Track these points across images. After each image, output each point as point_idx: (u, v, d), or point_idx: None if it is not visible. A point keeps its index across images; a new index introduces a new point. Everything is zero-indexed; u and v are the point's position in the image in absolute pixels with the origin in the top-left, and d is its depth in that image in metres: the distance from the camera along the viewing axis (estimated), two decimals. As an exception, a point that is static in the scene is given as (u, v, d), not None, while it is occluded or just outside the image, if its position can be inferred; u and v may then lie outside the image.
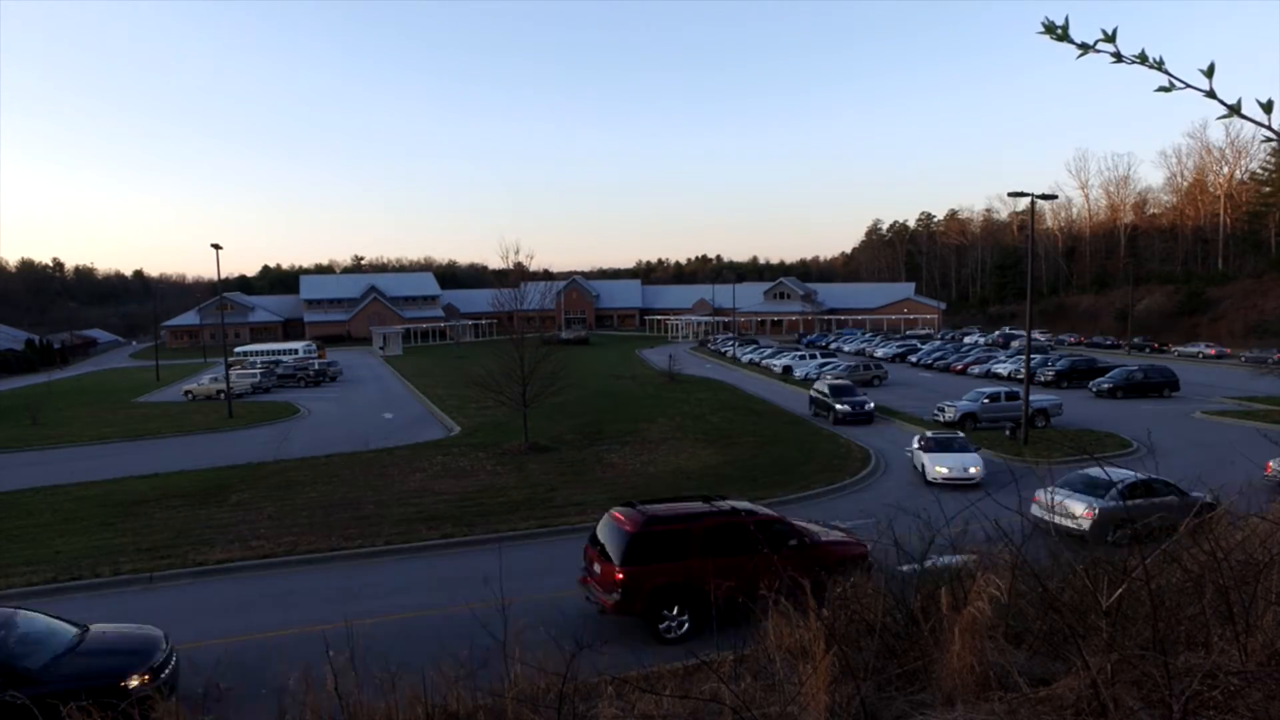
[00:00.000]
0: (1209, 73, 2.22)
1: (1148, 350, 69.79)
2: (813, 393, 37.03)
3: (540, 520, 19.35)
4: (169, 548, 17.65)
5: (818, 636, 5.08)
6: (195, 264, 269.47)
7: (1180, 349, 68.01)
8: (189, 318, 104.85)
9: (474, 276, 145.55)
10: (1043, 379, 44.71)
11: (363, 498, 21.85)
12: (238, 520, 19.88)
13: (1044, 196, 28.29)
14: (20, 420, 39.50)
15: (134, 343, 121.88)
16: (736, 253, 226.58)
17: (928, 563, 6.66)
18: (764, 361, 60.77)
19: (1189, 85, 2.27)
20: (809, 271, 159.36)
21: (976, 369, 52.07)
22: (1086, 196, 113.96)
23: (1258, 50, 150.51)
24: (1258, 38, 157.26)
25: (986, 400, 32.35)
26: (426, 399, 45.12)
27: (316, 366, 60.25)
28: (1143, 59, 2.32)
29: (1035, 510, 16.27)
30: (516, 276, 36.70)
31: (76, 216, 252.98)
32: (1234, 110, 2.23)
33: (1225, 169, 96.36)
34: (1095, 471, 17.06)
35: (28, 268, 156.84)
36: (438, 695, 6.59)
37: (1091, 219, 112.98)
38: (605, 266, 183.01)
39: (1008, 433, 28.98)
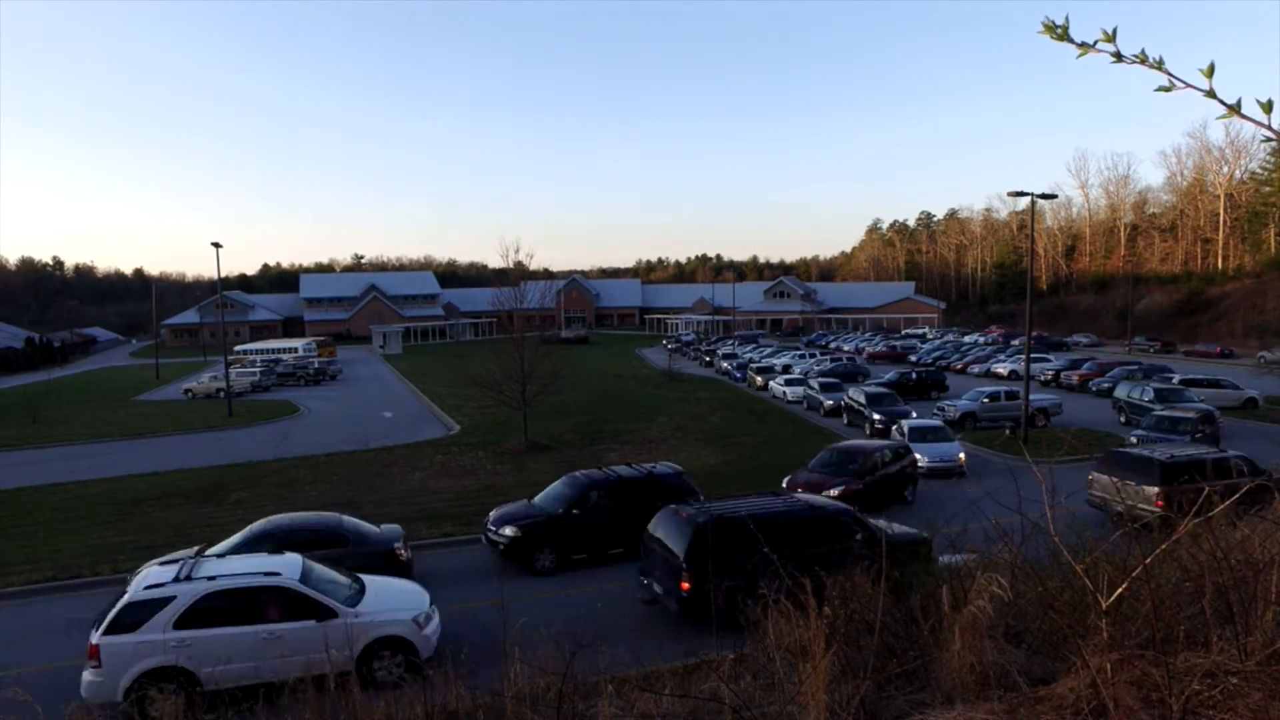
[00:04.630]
0: (1209, 73, 2.22)
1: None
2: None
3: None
4: (169, 547, 17.57)
5: (818, 636, 5.08)
6: (195, 263, 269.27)
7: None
8: (189, 316, 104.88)
9: (474, 276, 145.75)
10: (1042, 378, 44.72)
11: (362, 497, 21.80)
12: (238, 519, 19.81)
13: (1044, 196, 28.25)
14: (20, 419, 39.50)
15: (134, 341, 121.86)
16: (736, 252, 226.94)
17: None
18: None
19: (1189, 85, 2.27)
20: (809, 271, 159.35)
21: (976, 368, 52.04)
22: (1086, 196, 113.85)
23: (1258, 50, 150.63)
24: (1258, 38, 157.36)
25: (986, 399, 32.33)
26: (426, 398, 45.13)
27: (316, 365, 60.26)
28: (1143, 59, 2.32)
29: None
30: (516, 275, 36.66)
31: (76, 216, 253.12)
32: (1234, 110, 2.23)
33: (1225, 169, 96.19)
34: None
35: (28, 266, 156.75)
36: (437, 694, 6.59)
37: (1091, 219, 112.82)
38: (605, 266, 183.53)
39: (1007, 432, 28.97)
